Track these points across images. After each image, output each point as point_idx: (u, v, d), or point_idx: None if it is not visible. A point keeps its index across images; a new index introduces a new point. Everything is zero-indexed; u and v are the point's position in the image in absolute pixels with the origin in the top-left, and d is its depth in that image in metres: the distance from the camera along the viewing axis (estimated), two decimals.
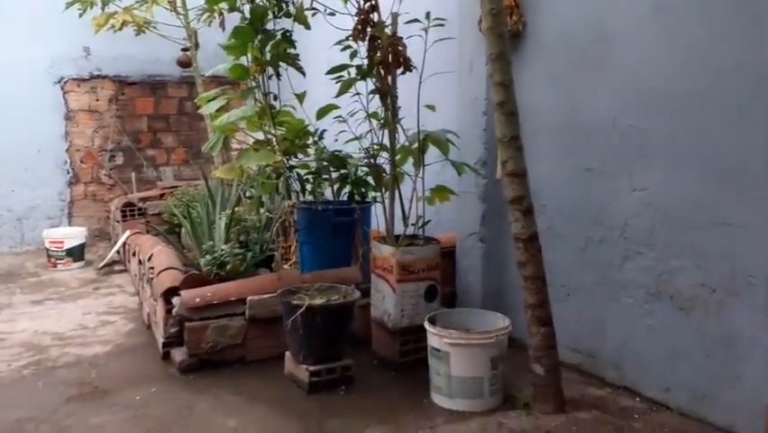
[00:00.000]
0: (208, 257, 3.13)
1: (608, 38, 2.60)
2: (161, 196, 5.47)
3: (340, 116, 3.06)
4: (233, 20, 3.31)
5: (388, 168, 3.04)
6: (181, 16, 4.98)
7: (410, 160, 2.96)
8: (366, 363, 2.92)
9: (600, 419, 2.34)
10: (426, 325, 2.52)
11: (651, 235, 2.48)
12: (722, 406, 2.24)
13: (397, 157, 3.03)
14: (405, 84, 2.95)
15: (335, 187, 3.59)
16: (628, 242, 2.58)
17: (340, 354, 2.70)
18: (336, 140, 3.30)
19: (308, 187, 3.56)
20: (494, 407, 2.44)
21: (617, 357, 2.64)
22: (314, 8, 3.05)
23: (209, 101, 3.27)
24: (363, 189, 3.57)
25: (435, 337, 2.47)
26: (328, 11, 3.02)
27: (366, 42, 2.93)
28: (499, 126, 2.37)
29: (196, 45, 5.10)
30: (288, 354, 2.75)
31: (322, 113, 3.11)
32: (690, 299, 2.35)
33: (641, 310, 2.53)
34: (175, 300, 2.87)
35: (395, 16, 2.93)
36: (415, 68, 2.86)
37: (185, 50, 5.52)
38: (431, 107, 2.90)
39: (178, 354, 2.86)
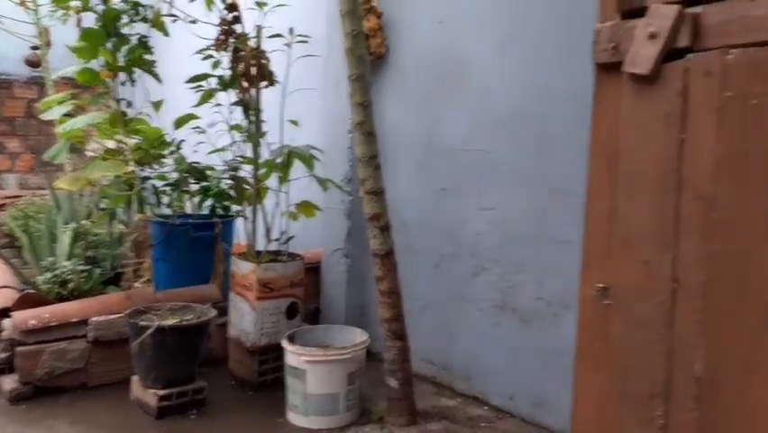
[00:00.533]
0: (48, 275, 2.88)
1: (462, 65, 2.76)
2: (1, 206, 4.95)
3: (198, 127, 2.96)
4: (93, 20, 3.10)
5: (251, 181, 2.99)
6: (31, 12, 4.57)
7: (275, 174, 2.94)
8: (222, 383, 2.83)
9: (450, 429, 2.43)
10: (284, 343, 2.49)
11: (497, 252, 2.64)
12: (557, 412, 2.42)
13: (262, 171, 2.99)
14: (275, 97, 2.92)
15: (197, 199, 3.46)
16: (477, 258, 2.72)
17: (192, 376, 2.59)
18: (196, 151, 3.19)
19: (166, 199, 3.40)
20: (349, 422, 2.45)
21: (466, 368, 2.77)
22: (174, 15, 2.94)
23: (55, 105, 3.03)
24: (226, 203, 3.47)
25: (292, 355, 2.44)
26: (189, 18, 2.93)
27: (230, 53, 2.87)
28: (358, 146, 2.42)
29: (48, 43, 4.71)
30: (135, 377, 2.59)
31: (180, 122, 3.00)
32: (531, 313, 2.53)
33: (488, 323, 2.68)
34: (5, 323, 2.60)
35: (259, 29, 2.90)
36: (278, 81, 2.84)
37: (34, 48, 5.08)
38: (294, 122, 2.90)
39: (8, 383, 2.59)
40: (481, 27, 2.67)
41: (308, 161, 2.89)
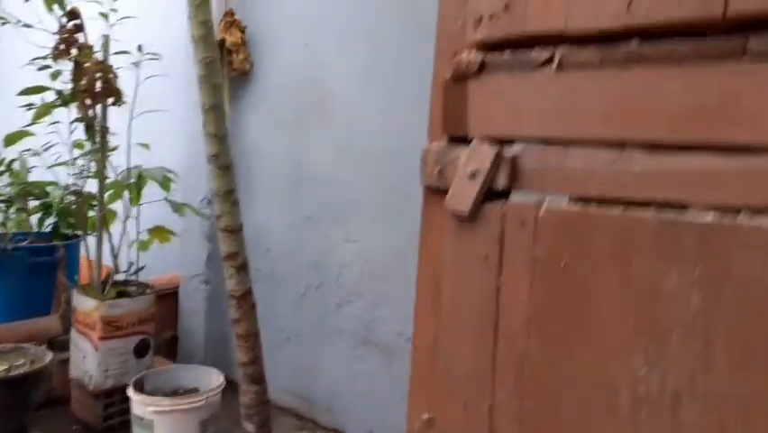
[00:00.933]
0: None
1: (327, 91, 2.68)
2: None
3: (30, 149, 2.64)
4: None
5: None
6: None
7: (125, 198, 2.70)
8: (64, 428, 2.58)
9: None
10: (130, 392, 2.30)
11: (360, 285, 2.61)
12: None
13: (109, 193, 2.74)
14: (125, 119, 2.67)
15: (36, 218, 3.12)
16: (342, 289, 2.68)
17: (24, 427, 2.33)
18: (30, 172, 2.85)
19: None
20: None
21: (329, 401, 2.74)
22: (1, 17, 2.59)
23: None
24: (71, 219, 3.15)
25: (138, 405, 2.27)
26: (22, 23, 2.59)
27: (72, 65, 2.58)
28: (214, 180, 2.27)
29: None
30: None
31: (11, 140, 2.66)
32: (390, 347, 2.53)
33: (351, 356, 2.65)
34: None
35: (107, 40, 2.62)
36: (124, 102, 2.59)
37: None
38: (145, 145, 2.67)
39: None
40: (346, 55, 2.60)
41: (165, 183, 2.69)
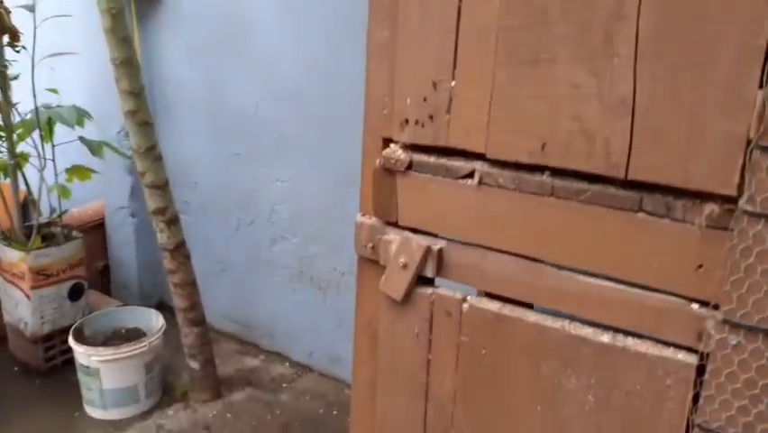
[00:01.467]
0: None
1: (245, 24, 2.52)
2: None
3: None
4: None
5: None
6: None
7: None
8: (5, 369, 2.64)
9: (253, 397, 2.60)
10: (72, 342, 2.36)
11: (293, 223, 2.68)
12: (350, 366, 2.69)
13: (19, 132, 2.57)
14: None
15: None
16: (275, 226, 2.74)
17: None
18: None
19: None
20: (152, 407, 2.48)
21: (269, 327, 2.90)
22: None
23: None
24: None
25: (82, 355, 2.34)
26: None
27: None
28: (133, 137, 2.19)
29: None
30: None
31: None
32: (326, 280, 2.67)
33: (287, 288, 2.78)
34: None
35: None
36: (23, 47, 2.35)
37: None
38: (53, 90, 2.48)
39: None
40: None
41: (80, 120, 2.55)
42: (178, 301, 2.42)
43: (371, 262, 0.99)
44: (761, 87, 0.63)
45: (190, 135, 2.81)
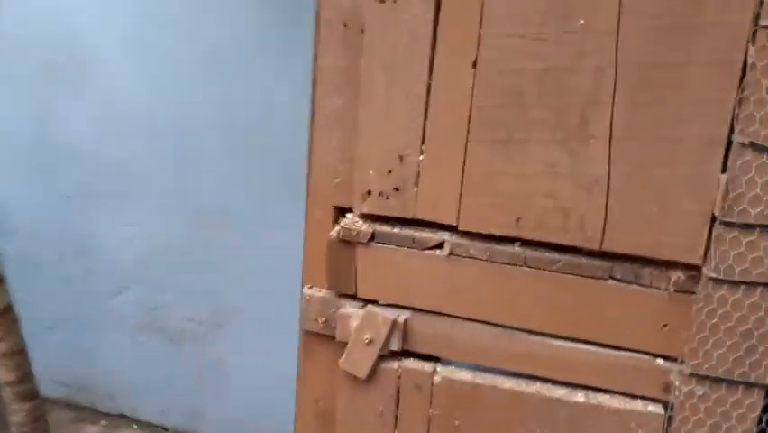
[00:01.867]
0: None
1: (83, 52, 2.24)
2: None
3: None
4: None
5: None
6: None
7: None
8: None
9: None
10: None
11: (140, 271, 2.42)
12: (213, 421, 2.49)
13: None
14: None
15: None
16: (119, 275, 2.45)
17: None
18: None
19: None
20: None
21: (110, 387, 2.58)
22: None
23: None
24: None
25: None
26: None
27: None
28: None
29: None
30: None
31: None
32: (180, 332, 2.45)
33: (133, 342, 2.50)
34: None
35: None
36: None
37: None
38: None
39: None
40: (102, 11, 2.17)
41: None
42: (4, 374, 2.04)
43: (321, 337, 0.93)
44: (723, 171, 0.72)
45: (8, 176, 2.40)
